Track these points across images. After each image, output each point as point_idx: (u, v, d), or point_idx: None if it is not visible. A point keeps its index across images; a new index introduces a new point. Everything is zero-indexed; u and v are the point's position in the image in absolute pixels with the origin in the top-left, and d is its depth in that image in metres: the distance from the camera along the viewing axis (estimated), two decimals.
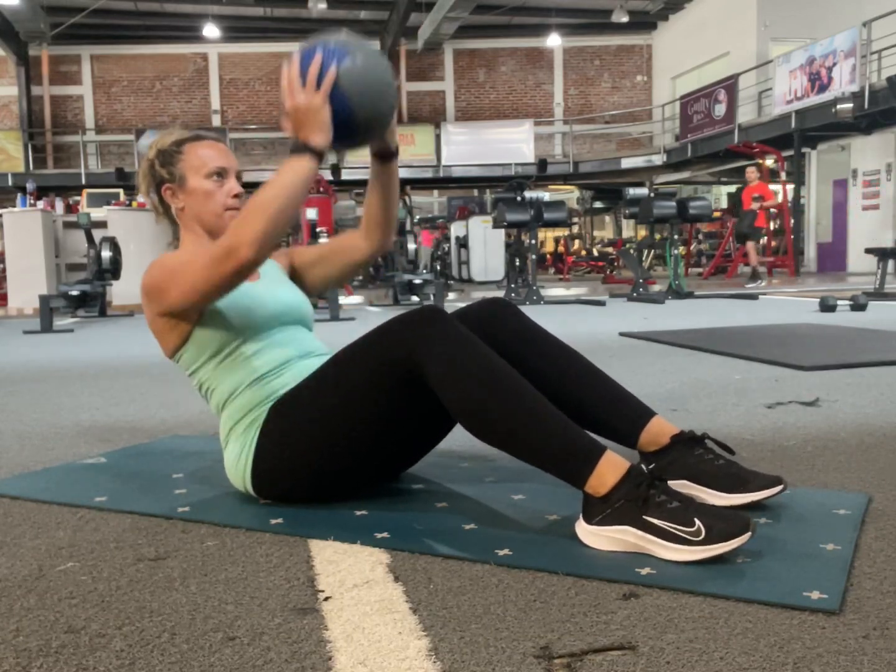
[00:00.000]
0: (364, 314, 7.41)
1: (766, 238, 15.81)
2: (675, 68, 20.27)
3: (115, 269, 8.21)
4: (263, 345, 1.62)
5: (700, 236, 18.79)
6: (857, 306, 5.98)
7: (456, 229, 15.35)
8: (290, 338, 1.66)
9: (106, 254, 8.11)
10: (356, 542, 1.36)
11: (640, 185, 17.56)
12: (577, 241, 21.62)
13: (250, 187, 1.72)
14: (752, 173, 11.68)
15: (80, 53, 20.20)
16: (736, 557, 1.22)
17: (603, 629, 1.03)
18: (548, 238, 22.23)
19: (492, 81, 21.39)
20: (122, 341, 5.40)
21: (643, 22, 20.29)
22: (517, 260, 9.88)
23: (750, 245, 11.30)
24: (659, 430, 1.55)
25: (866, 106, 12.11)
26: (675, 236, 8.62)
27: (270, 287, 1.70)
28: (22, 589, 1.22)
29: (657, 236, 9.48)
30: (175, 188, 1.66)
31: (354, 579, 1.21)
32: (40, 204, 9.68)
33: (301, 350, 1.66)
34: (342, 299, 8.76)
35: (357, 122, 1.51)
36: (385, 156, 1.69)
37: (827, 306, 5.88)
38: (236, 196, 1.66)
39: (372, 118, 1.53)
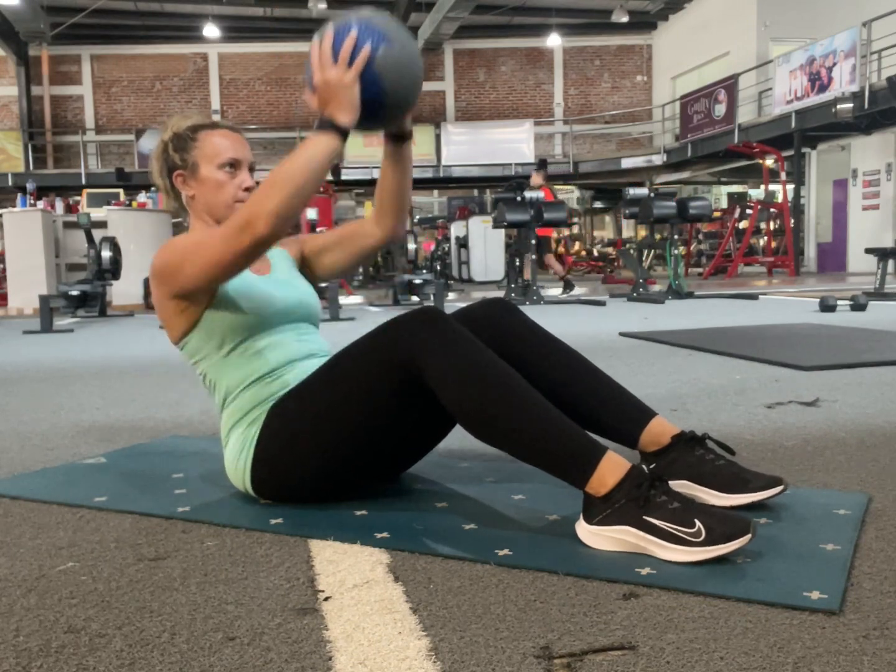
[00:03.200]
0: (364, 314, 7.41)
1: (765, 238, 15.84)
2: (675, 68, 20.27)
3: (115, 269, 8.21)
4: (268, 342, 1.61)
5: (700, 236, 18.80)
6: (857, 306, 5.98)
7: (456, 229, 15.36)
8: (295, 336, 1.66)
9: (106, 254, 8.11)
10: (356, 542, 1.36)
11: (640, 185, 17.57)
12: (577, 244, 21.58)
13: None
14: (535, 178, 10.57)
15: (80, 53, 20.20)
16: (736, 557, 1.22)
17: (603, 629, 1.03)
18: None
19: (492, 81, 21.39)
20: (122, 341, 5.40)
21: (643, 22, 20.29)
22: (517, 260, 9.87)
23: (548, 257, 10.48)
24: (660, 431, 1.55)
25: (866, 106, 12.11)
26: (675, 236, 8.62)
27: (280, 282, 1.69)
28: (22, 589, 1.21)
29: (657, 236, 9.46)
30: (186, 175, 1.64)
31: (354, 579, 1.21)
32: (40, 204, 9.67)
33: (305, 350, 1.66)
34: (342, 299, 8.76)
35: (386, 106, 1.48)
36: (401, 138, 1.67)
37: (827, 306, 5.88)
38: (247, 189, 1.65)
39: (400, 104, 1.51)
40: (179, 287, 1.53)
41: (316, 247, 1.83)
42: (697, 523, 1.22)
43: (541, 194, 9.12)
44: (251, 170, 1.67)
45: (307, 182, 1.42)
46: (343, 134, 1.44)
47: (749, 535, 1.20)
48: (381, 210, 1.75)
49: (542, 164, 11.34)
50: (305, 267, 1.83)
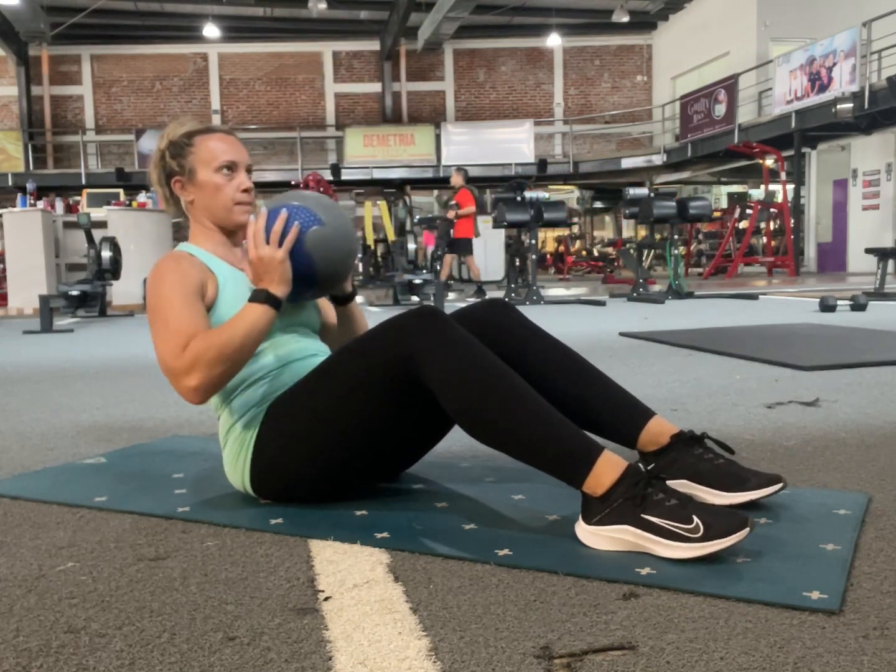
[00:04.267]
0: (364, 314, 7.40)
1: (765, 238, 15.85)
2: (675, 68, 20.27)
3: (115, 269, 8.21)
4: (266, 344, 1.62)
5: (700, 236, 18.80)
6: (857, 306, 5.98)
7: None
8: (292, 339, 1.66)
9: (106, 254, 8.11)
10: (356, 542, 1.36)
11: (640, 185, 17.57)
12: (577, 242, 21.58)
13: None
14: (455, 178, 10.47)
15: (80, 53, 20.20)
16: (736, 557, 1.22)
17: (603, 629, 1.03)
18: (548, 238, 22.23)
19: (492, 81, 21.38)
20: (122, 341, 5.40)
21: (643, 22, 20.29)
22: (517, 260, 9.87)
23: (448, 258, 10.43)
24: (658, 430, 1.55)
25: (866, 106, 12.11)
26: (675, 236, 8.62)
27: None
28: (22, 589, 1.22)
29: (657, 236, 9.47)
30: (184, 181, 1.65)
31: (354, 579, 1.21)
32: (40, 204, 9.67)
33: (302, 351, 1.66)
34: None
35: (316, 280, 1.60)
36: (342, 300, 1.77)
37: (827, 306, 5.88)
38: (246, 190, 1.66)
39: (331, 278, 1.63)
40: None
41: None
42: (695, 519, 1.22)
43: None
44: (248, 171, 1.68)
45: (245, 352, 1.51)
46: (276, 304, 1.53)
47: (747, 529, 1.20)
48: (330, 342, 1.83)
49: (460, 167, 11.38)
50: None
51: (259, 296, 1.52)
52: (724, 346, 3.85)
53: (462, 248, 10.32)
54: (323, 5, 17.18)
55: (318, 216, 1.56)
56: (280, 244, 1.52)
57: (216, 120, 20.25)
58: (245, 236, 1.67)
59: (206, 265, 1.63)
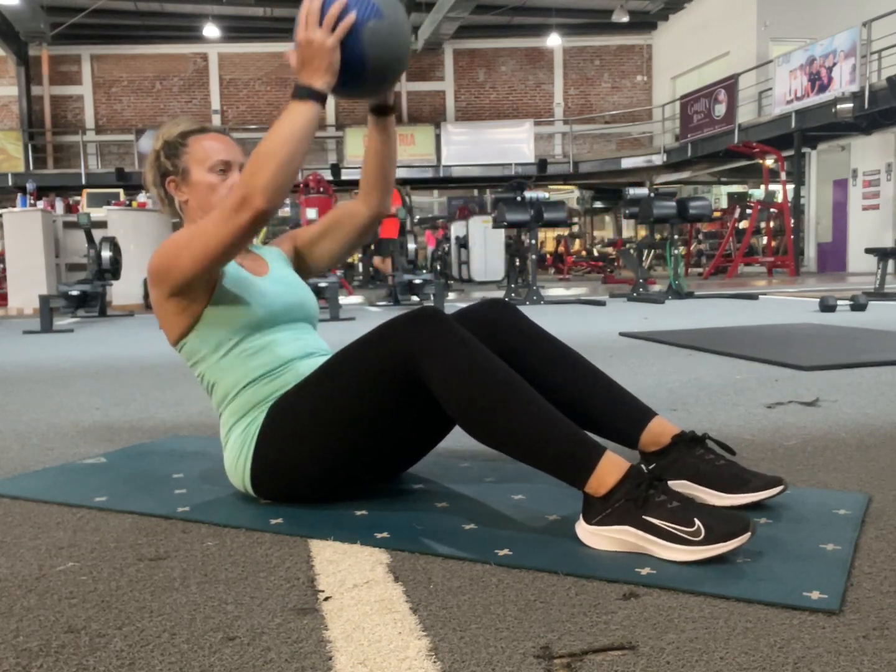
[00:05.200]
0: (364, 314, 7.40)
1: (765, 238, 15.84)
2: (675, 68, 20.27)
3: (115, 269, 8.21)
4: (267, 341, 1.61)
5: (700, 236, 18.80)
6: (857, 306, 5.98)
7: (456, 229, 15.35)
8: (293, 336, 1.66)
9: (106, 254, 8.11)
10: (356, 542, 1.36)
11: (640, 185, 17.57)
12: (577, 242, 21.58)
13: None
14: None
15: (80, 53, 20.20)
16: (736, 557, 1.22)
17: (603, 629, 1.03)
18: (548, 238, 22.24)
19: (492, 81, 21.39)
20: (122, 341, 5.40)
21: (643, 22, 20.29)
22: (517, 260, 9.86)
23: (376, 259, 10.49)
24: (660, 431, 1.55)
25: (866, 106, 12.12)
26: (675, 236, 8.62)
27: (278, 282, 1.70)
28: (22, 589, 1.21)
29: (657, 236, 9.46)
30: (179, 181, 1.65)
31: (354, 579, 1.21)
32: (40, 204, 9.67)
33: (304, 349, 1.66)
34: (342, 299, 8.76)
35: (365, 77, 1.50)
36: (383, 111, 1.69)
37: (827, 306, 5.88)
38: None
39: (381, 77, 1.53)
40: (178, 279, 1.53)
41: (307, 239, 1.84)
42: (697, 522, 1.22)
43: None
44: (241, 171, 1.68)
45: (294, 152, 1.43)
46: (321, 99, 1.46)
47: (748, 534, 1.20)
48: (367, 186, 1.78)
49: None
50: (300, 261, 1.84)
51: (301, 92, 1.45)
52: (724, 346, 3.85)
53: (385, 248, 10.45)
54: None
55: (378, 8, 1.46)
56: (333, 30, 1.43)
57: (216, 120, 20.26)
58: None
59: None
